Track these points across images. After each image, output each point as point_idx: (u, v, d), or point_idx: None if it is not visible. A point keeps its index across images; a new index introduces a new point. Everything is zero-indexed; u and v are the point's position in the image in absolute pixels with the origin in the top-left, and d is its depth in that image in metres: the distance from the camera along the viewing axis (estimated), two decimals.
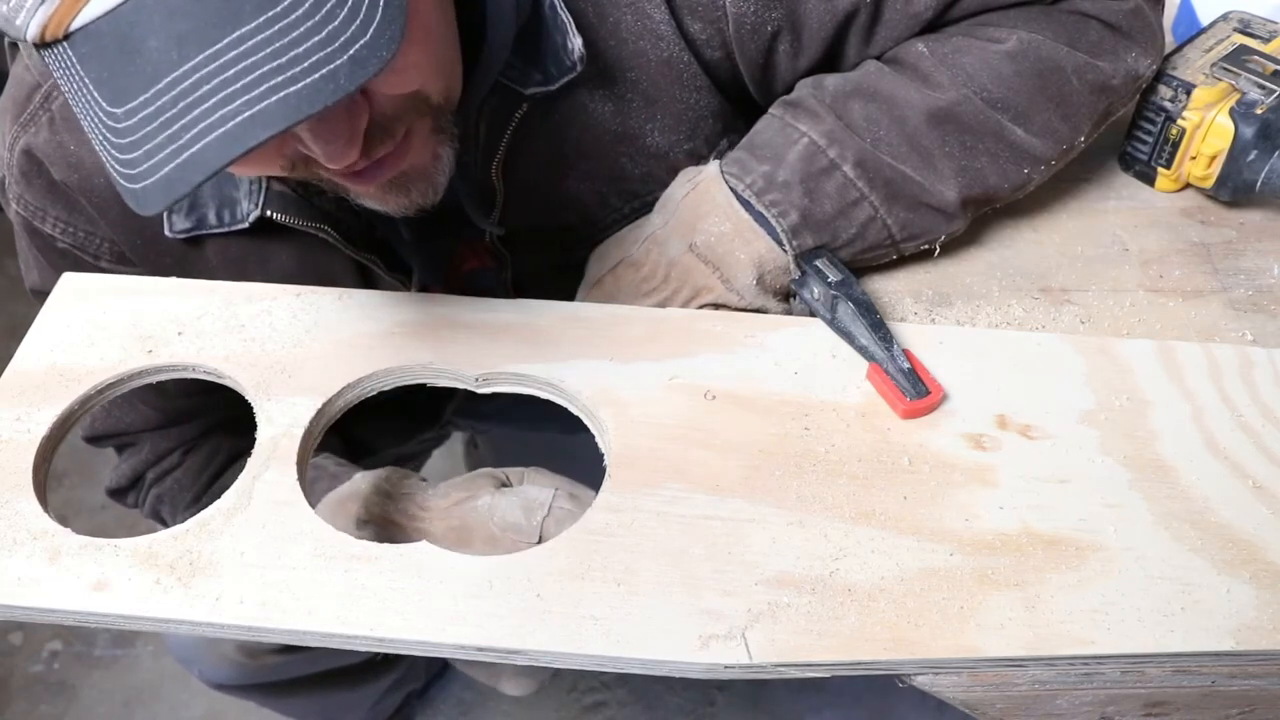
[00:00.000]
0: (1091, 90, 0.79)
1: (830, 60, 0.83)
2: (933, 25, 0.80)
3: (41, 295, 0.90)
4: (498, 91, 0.78)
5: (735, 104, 0.87)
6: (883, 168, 0.77)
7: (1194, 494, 0.67)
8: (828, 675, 0.60)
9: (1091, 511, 0.66)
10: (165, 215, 0.81)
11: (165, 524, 1.03)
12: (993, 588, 0.62)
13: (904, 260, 0.84)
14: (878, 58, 0.82)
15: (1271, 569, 0.63)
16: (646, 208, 0.86)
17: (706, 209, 0.79)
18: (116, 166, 0.57)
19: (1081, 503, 0.66)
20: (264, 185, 0.80)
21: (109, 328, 0.76)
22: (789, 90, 0.84)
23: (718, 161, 0.81)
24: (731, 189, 0.78)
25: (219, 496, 0.66)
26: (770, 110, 0.82)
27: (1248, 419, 0.71)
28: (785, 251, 0.77)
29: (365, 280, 0.89)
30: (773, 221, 0.77)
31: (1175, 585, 0.62)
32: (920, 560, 0.63)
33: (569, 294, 0.85)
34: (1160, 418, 0.71)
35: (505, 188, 0.83)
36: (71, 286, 0.80)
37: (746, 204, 0.78)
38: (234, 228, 0.81)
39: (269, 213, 0.80)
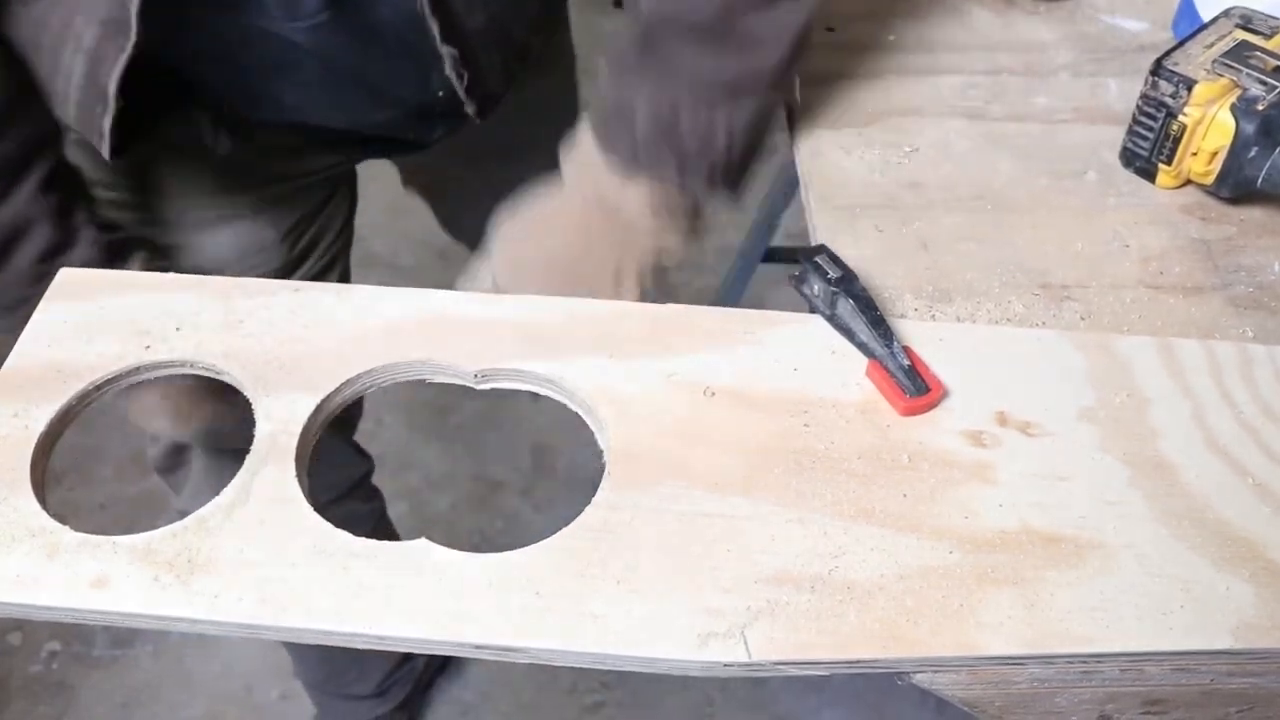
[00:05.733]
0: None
1: None
2: None
3: None
4: None
5: None
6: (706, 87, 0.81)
7: (1194, 491, 0.67)
8: (827, 673, 0.60)
9: (1091, 509, 0.66)
10: None
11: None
12: (992, 585, 0.62)
13: (904, 257, 0.84)
14: None
15: (1271, 567, 0.63)
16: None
17: (599, 191, 0.84)
18: None
19: (1081, 500, 0.66)
20: None
21: (106, 324, 0.76)
22: None
23: (593, 137, 0.85)
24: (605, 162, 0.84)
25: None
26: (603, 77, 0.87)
27: (1248, 416, 0.71)
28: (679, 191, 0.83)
29: None
30: (654, 182, 0.83)
31: (1174, 583, 0.62)
32: (920, 558, 0.63)
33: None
34: (1160, 415, 0.71)
35: None
36: (69, 281, 0.80)
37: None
38: None
39: None
